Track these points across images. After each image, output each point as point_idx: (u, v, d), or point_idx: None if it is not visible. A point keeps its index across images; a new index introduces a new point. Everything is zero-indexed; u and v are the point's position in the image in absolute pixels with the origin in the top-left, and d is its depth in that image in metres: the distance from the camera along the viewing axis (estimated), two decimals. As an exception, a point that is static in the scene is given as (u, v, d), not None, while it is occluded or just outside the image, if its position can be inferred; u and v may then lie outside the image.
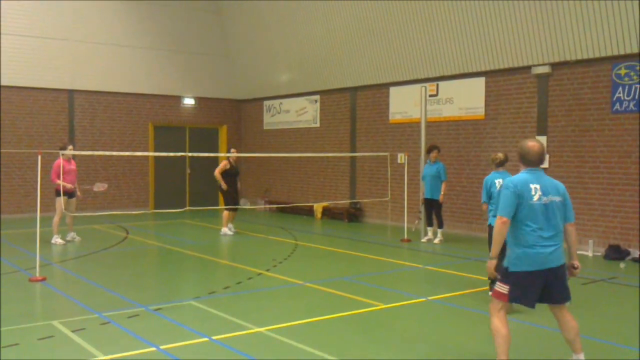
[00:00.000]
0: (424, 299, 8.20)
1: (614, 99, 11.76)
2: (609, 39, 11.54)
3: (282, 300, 8.20)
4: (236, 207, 14.23)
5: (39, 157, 9.41)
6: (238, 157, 15.00)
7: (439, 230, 13.15)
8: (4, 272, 9.64)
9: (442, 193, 12.93)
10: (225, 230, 14.16)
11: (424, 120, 13.65)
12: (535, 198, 5.13)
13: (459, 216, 14.53)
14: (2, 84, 16.97)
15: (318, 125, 18.61)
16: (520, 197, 5.10)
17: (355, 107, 17.39)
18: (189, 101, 20.44)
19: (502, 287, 5.18)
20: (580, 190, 12.34)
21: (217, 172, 14.02)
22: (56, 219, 12.41)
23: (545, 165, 12.77)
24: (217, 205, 16.69)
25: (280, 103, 20.07)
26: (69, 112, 18.26)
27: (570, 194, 13.25)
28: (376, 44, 16.03)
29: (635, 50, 11.26)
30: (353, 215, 17.10)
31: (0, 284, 8.80)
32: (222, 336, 6.41)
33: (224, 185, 13.97)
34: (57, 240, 12.45)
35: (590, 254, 11.69)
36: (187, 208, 15.47)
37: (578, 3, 11.70)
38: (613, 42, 11.52)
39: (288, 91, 19.55)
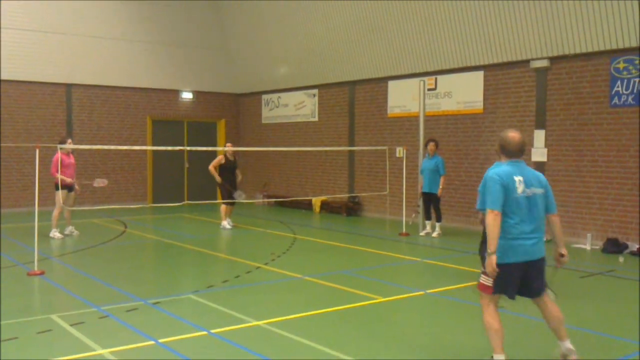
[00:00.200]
0: (422, 292, 8.21)
1: (613, 92, 11.75)
2: (608, 32, 11.53)
3: (281, 293, 8.20)
4: (233, 201, 14.24)
5: (37, 151, 9.40)
6: (236, 151, 14.98)
7: (437, 224, 13.16)
8: (2, 266, 9.64)
9: (440, 187, 12.93)
10: (224, 223, 14.20)
11: (422, 114, 13.64)
12: (519, 190, 5.12)
13: (457, 210, 14.54)
14: (1, 77, 16.93)
15: (316, 119, 18.59)
16: (505, 189, 5.09)
17: (354, 101, 17.37)
18: (187, 95, 20.40)
19: (486, 280, 5.18)
20: (579, 184, 12.35)
21: (211, 167, 14.13)
22: (55, 212, 12.40)
23: (544, 159, 12.78)
24: (216, 199, 16.69)
25: (279, 97, 20.04)
26: (67, 106, 18.23)
27: (569, 188, 13.33)
28: (375, 38, 16.00)
29: (634, 44, 11.25)
30: (351, 209, 17.10)
31: (-2, 277, 8.81)
32: (221, 330, 6.41)
33: (217, 179, 14.05)
34: (55, 234, 12.44)
35: (588, 247, 11.70)
36: (186, 202, 15.45)
37: (577, -4, 11.69)
38: (612, 36, 11.50)
39: (286, 85, 19.52)
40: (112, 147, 14.20)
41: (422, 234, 13.32)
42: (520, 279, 5.21)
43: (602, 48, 11.72)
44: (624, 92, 11.58)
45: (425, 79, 14.47)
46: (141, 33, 19.25)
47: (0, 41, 16.71)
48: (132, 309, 7.21)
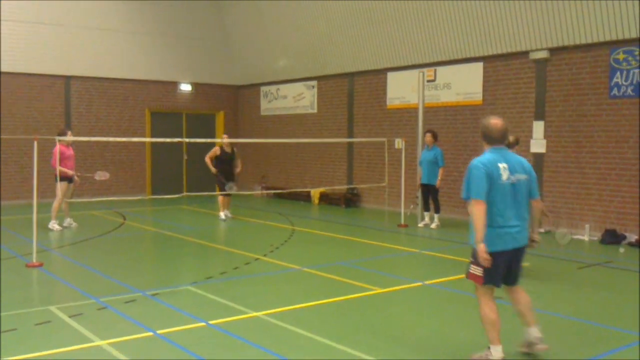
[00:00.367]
0: (420, 284, 8.22)
1: (612, 84, 11.73)
2: (607, 23, 11.50)
3: (279, 285, 8.21)
4: (227, 192, 14.27)
5: (35, 143, 9.37)
6: (233, 143, 14.99)
7: (436, 215, 13.17)
8: (1, 258, 9.63)
9: (439, 178, 12.92)
10: (221, 214, 14.24)
11: (421, 105, 13.62)
12: (504, 178, 5.10)
13: (455, 201, 14.54)
14: (-2, 69, 16.91)
15: (315, 111, 18.56)
16: (490, 177, 5.07)
17: (353, 93, 17.34)
18: (185, 87, 20.35)
19: (476, 270, 5.17)
20: (578, 175, 12.35)
21: (206, 158, 14.19)
22: (55, 204, 12.41)
23: (543, 150, 12.77)
24: (214, 190, 16.66)
25: (278, 89, 20.00)
26: (65, 98, 18.19)
27: (567, 179, 13.31)
28: (374, 30, 15.95)
29: (634, 35, 11.22)
30: (350, 200, 17.10)
31: (-3, 269, 8.81)
32: (219, 321, 6.42)
33: (212, 170, 14.09)
34: (54, 225, 12.44)
35: (586, 238, 11.71)
36: (184, 194, 15.46)
37: (576, -13, 11.65)
38: (611, 27, 11.47)
39: (285, 77, 19.47)
40: (111, 139, 14.14)
41: (420, 225, 13.33)
42: (507, 267, 5.21)
43: (601, 39, 11.69)
44: (624, 83, 11.56)
45: (425, 70, 14.44)
46: (139, 25, 19.18)
47: (-1, 33, 16.68)
48: (130, 301, 7.22)
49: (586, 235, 11.78)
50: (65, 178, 12.30)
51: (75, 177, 12.77)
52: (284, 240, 11.55)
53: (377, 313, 6.91)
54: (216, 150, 14.17)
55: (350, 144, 17.43)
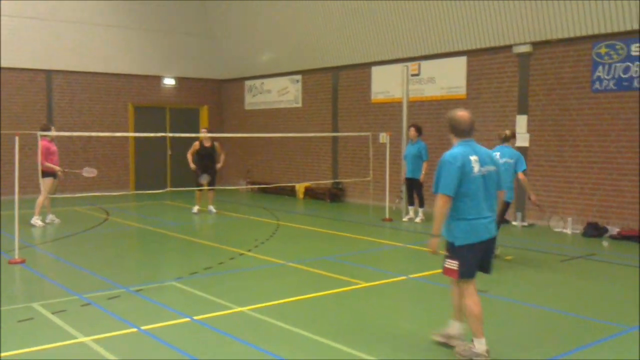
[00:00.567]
0: (404, 277, 8.25)
1: (595, 78, 11.83)
2: (590, 18, 11.58)
3: (264, 280, 8.20)
4: (203, 186, 14.26)
5: (17, 139, 9.27)
6: (217, 137, 14.94)
7: (420, 210, 13.21)
8: (-18, 254, 9.53)
9: (423, 172, 12.96)
10: (194, 208, 14.45)
11: (405, 99, 13.65)
12: (476, 170, 5.14)
13: (440, 195, 14.58)
14: (-22, 64, 16.68)
15: (300, 105, 18.52)
16: (462, 171, 5.08)
17: (338, 87, 17.32)
18: (169, 81, 20.22)
19: (451, 264, 5.20)
20: (560, 168, 12.45)
21: (188, 154, 14.25)
22: (40, 199, 12.30)
23: (526, 144, 12.85)
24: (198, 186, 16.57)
25: (262, 83, 19.94)
26: (47, 93, 17.99)
27: (550, 173, 13.41)
28: (358, 24, 15.93)
29: (616, 29, 11.31)
30: (335, 195, 17.11)
31: (-22, 266, 8.71)
32: (204, 316, 6.40)
33: (191, 166, 14.14)
34: (37, 221, 12.31)
35: (569, 231, 11.82)
36: (168, 189, 15.34)
37: (559, -18, 11.71)
38: (594, 21, 11.55)
39: (270, 71, 19.41)
40: (94, 134, 14.00)
41: (405, 219, 13.37)
42: (481, 257, 5.24)
43: (584, 33, 11.77)
44: (606, 77, 11.65)
45: (409, 64, 14.46)
46: (122, 18, 19.00)
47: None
48: (114, 297, 7.17)
49: (569, 228, 11.88)
50: (51, 174, 12.21)
51: (60, 173, 12.65)
52: (268, 235, 11.53)
53: (361, 307, 6.93)
54: (196, 146, 14.14)
55: (335, 139, 17.42)
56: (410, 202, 13.43)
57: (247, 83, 20.53)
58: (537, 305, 6.92)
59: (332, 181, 17.31)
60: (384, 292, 7.64)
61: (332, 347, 5.56)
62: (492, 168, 5.25)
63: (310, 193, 17.70)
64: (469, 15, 13.42)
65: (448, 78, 14.37)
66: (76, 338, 5.73)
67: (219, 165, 14.43)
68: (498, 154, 8.86)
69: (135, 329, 5.99)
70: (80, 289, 7.50)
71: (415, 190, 13.25)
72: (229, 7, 19.72)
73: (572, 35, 11.95)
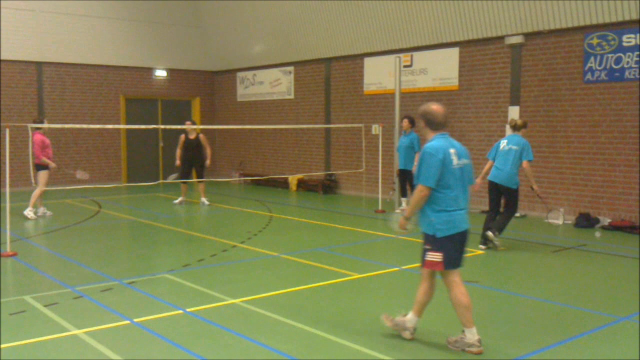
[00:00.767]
0: (397, 268, 8.27)
1: (586, 69, 11.85)
2: (582, 8, 11.59)
3: (257, 271, 8.20)
4: (185, 180, 14.32)
5: (7, 131, 9.22)
6: (203, 129, 14.96)
7: (413, 201, 13.20)
8: (-27, 247, 9.49)
9: (415, 164, 12.94)
10: (176, 200, 14.54)
11: (398, 91, 13.64)
12: (455, 163, 5.18)
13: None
14: (-33, 55, 16.54)
15: (292, 96, 18.48)
16: (443, 163, 5.13)
17: (330, 78, 17.29)
18: (160, 73, 20.12)
19: (434, 256, 5.22)
20: (552, 159, 12.49)
21: (177, 150, 14.37)
22: (37, 191, 12.26)
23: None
24: (191, 178, 16.55)
25: (254, 74, 19.87)
26: (37, 85, 17.87)
27: (543, 164, 13.44)
28: (351, 14, 15.89)
29: (608, 20, 11.33)
30: (328, 187, 17.12)
31: (-31, 259, 8.67)
32: (197, 308, 6.40)
33: (177, 162, 14.33)
34: (29, 213, 12.25)
35: (560, 222, 11.86)
36: (160, 181, 15.35)
37: (551, -28, 11.70)
38: (585, 12, 11.56)
39: (262, 62, 19.35)
40: (85, 126, 13.91)
41: (397, 211, 13.38)
42: (461, 249, 5.30)
43: (575, 24, 11.78)
44: (597, 68, 11.68)
45: (401, 55, 14.45)
46: (113, 10, 18.87)
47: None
48: (106, 289, 7.15)
49: (560, 218, 11.92)
50: (45, 167, 12.20)
51: (53, 165, 12.59)
52: (261, 227, 11.53)
53: (354, 298, 6.94)
54: (182, 139, 14.14)
55: (327, 130, 17.41)
56: (403, 194, 13.44)
57: (239, 75, 20.46)
58: (529, 296, 6.96)
59: (324, 173, 17.31)
60: (376, 284, 7.66)
61: (325, 338, 5.57)
62: (467, 161, 5.31)
63: (302, 185, 17.69)
64: (461, 6, 13.40)
65: (440, 69, 14.37)
66: (69, 331, 5.72)
67: (208, 162, 14.44)
68: (505, 141, 9.26)
69: (128, 322, 5.98)
70: (73, 281, 7.48)
71: (408, 182, 13.25)
72: (221, -2, 19.62)
73: (564, 26, 11.97)
